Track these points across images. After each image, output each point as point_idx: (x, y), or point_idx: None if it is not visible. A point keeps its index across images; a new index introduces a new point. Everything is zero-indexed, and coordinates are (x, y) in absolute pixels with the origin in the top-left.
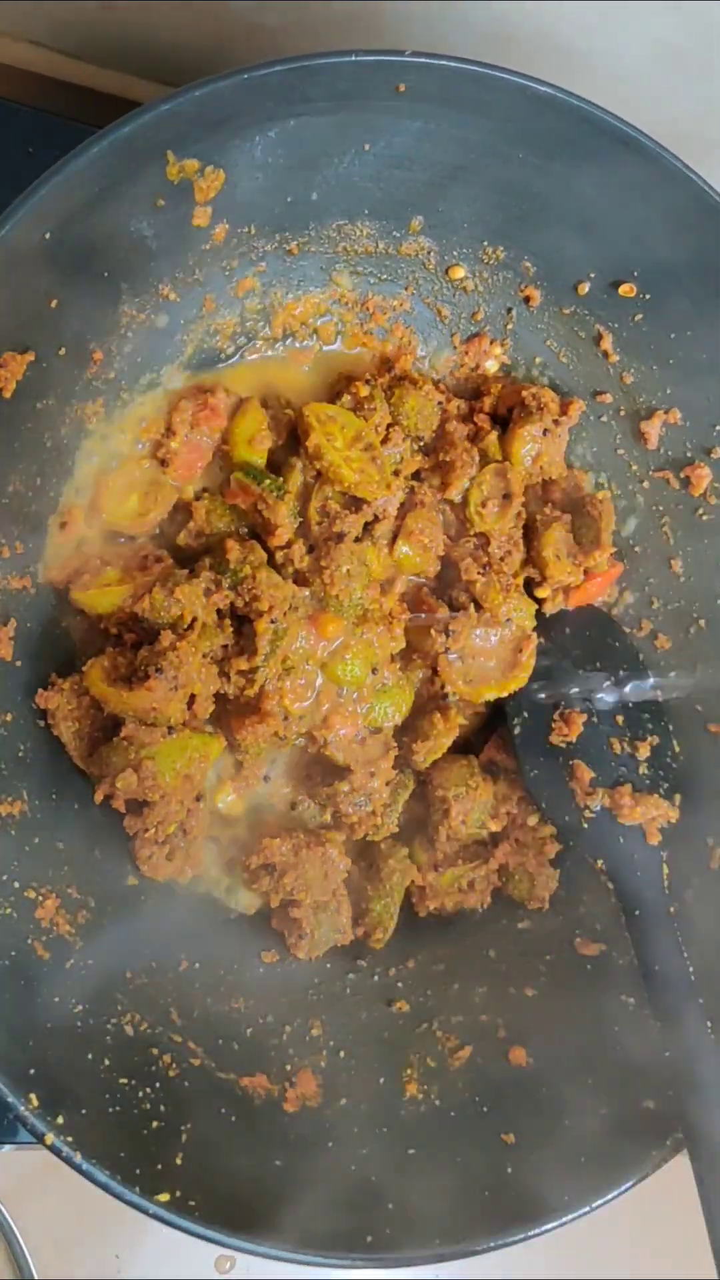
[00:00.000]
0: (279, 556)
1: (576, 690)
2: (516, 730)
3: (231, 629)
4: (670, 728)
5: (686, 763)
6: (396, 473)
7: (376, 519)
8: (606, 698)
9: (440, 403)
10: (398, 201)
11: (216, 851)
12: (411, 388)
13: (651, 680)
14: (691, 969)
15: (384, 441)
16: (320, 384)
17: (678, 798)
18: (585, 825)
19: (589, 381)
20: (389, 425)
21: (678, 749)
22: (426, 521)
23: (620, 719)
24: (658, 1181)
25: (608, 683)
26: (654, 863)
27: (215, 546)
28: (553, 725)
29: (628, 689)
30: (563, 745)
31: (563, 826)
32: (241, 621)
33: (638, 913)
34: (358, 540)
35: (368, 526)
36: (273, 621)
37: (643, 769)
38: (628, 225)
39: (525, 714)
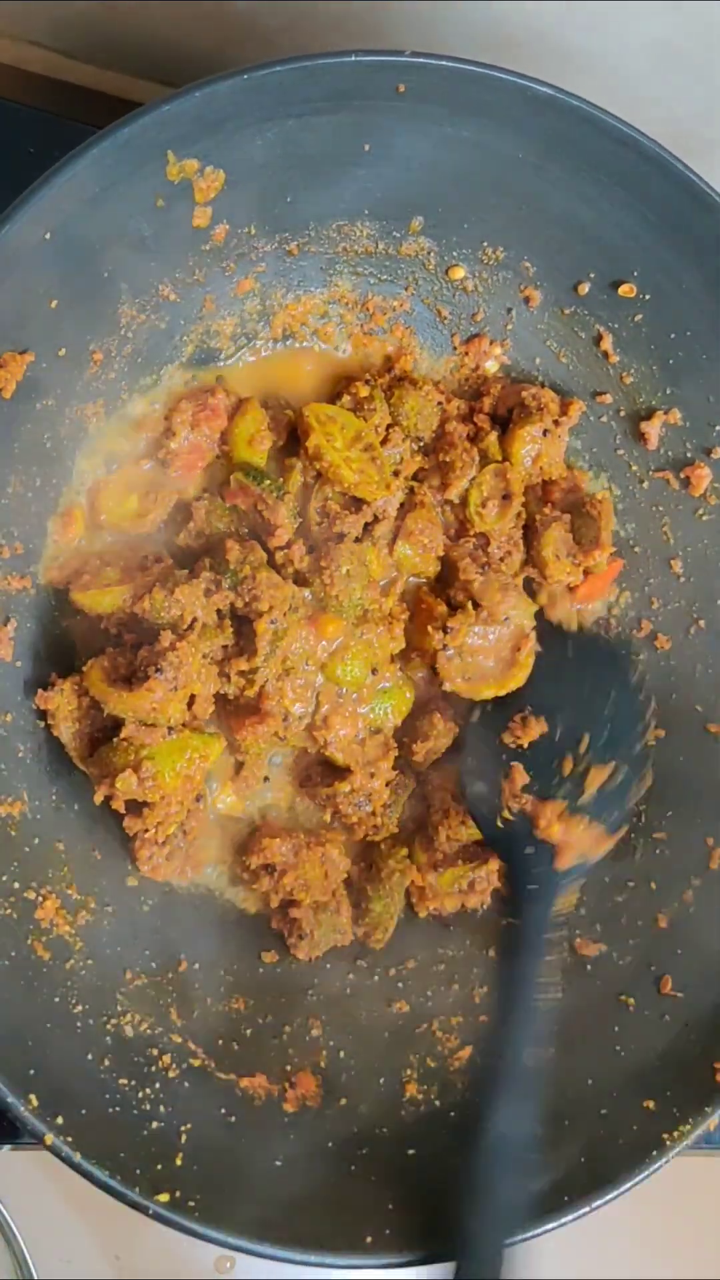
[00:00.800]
0: (279, 557)
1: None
2: (475, 715)
3: (231, 629)
4: (644, 773)
5: (685, 765)
6: (396, 473)
7: (376, 519)
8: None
9: (440, 403)
10: (398, 201)
11: (216, 852)
12: (411, 388)
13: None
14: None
15: (384, 442)
16: (320, 384)
17: (619, 833)
18: (500, 825)
19: (589, 382)
20: (389, 426)
21: (643, 795)
22: (426, 522)
23: (584, 742)
24: (658, 1181)
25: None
26: (549, 887)
27: (215, 546)
28: (509, 724)
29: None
30: (512, 746)
31: (478, 818)
32: (241, 621)
33: (516, 922)
34: (358, 540)
35: (368, 527)
36: (273, 622)
37: (586, 796)
38: (628, 225)
39: (489, 706)
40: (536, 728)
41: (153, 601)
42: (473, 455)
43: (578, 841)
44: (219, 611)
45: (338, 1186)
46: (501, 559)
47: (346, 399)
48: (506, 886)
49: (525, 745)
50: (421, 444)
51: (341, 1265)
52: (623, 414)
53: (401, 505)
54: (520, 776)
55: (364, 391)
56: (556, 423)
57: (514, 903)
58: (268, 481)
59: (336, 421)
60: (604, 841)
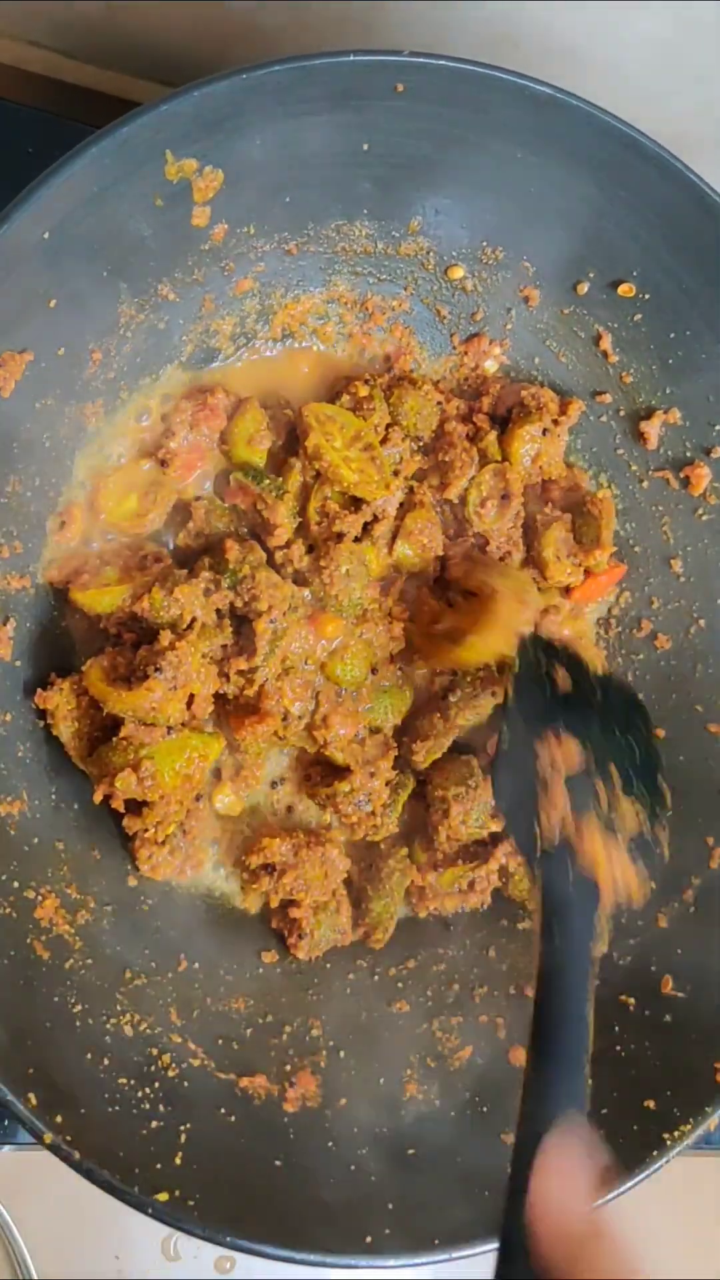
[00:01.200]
0: (278, 556)
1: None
2: (506, 739)
3: (231, 629)
4: (665, 813)
5: (685, 765)
6: (396, 473)
7: (376, 519)
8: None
9: (439, 403)
10: (397, 201)
11: (216, 852)
12: (411, 388)
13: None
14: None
15: (383, 441)
16: (319, 384)
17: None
18: (539, 854)
19: (588, 381)
20: (388, 425)
21: (665, 848)
22: (426, 521)
23: (614, 772)
24: (658, 1181)
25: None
26: (591, 923)
27: (215, 546)
28: (545, 737)
29: None
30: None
31: (519, 842)
32: (241, 621)
33: (557, 961)
34: (357, 540)
35: (367, 526)
36: (272, 621)
37: (619, 823)
38: (628, 225)
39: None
40: (571, 747)
41: (152, 601)
42: (472, 455)
43: (620, 873)
44: (218, 611)
45: (337, 1186)
46: (501, 559)
47: (346, 399)
48: (542, 925)
49: (561, 769)
50: (421, 444)
51: (341, 1265)
52: (622, 414)
53: (401, 505)
54: (561, 797)
55: (363, 391)
56: (556, 422)
57: (551, 941)
58: (267, 481)
59: (336, 421)
60: (643, 885)
